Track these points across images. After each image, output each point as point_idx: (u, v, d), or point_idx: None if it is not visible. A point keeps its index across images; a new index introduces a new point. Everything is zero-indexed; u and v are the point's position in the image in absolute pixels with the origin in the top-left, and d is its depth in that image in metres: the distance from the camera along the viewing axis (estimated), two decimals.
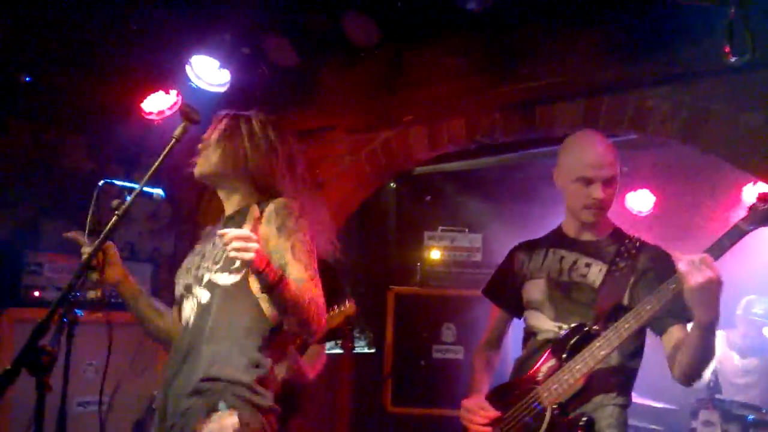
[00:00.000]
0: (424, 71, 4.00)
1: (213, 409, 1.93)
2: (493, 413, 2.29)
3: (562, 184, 2.41)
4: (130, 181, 2.42)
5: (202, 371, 2.00)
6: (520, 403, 2.25)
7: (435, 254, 5.44)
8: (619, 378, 2.25)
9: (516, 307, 2.52)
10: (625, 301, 2.24)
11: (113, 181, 2.30)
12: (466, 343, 4.98)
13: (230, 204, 2.27)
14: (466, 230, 5.44)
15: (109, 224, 1.95)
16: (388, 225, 6.13)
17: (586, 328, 2.18)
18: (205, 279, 2.11)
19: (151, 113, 4.07)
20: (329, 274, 3.42)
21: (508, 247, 2.64)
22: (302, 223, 2.11)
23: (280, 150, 2.26)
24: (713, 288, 1.89)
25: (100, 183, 2.27)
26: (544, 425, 2.14)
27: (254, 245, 1.82)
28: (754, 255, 4.47)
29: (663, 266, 2.17)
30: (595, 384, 2.18)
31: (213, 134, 2.25)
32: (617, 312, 2.17)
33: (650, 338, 2.30)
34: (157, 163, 2.02)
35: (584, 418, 2.12)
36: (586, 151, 2.36)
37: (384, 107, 4.20)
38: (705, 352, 2.07)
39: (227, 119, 2.27)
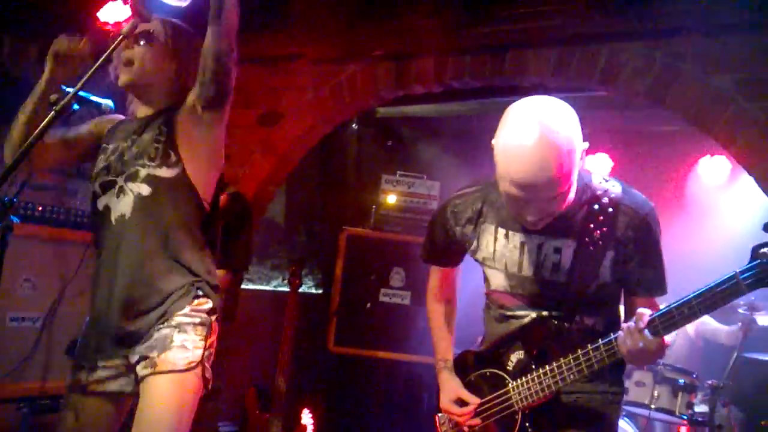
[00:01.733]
0: (398, 4, 3.89)
1: (195, 297, 2.08)
2: (472, 408, 2.14)
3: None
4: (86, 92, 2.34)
5: (165, 263, 2.07)
6: (492, 396, 2.12)
7: (391, 198, 5.40)
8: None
9: (462, 259, 2.33)
10: (606, 278, 1.94)
11: (64, 87, 2.24)
12: (413, 288, 5.00)
13: (147, 109, 2.26)
14: (425, 177, 5.40)
15: (47, 119, 1.92)
16: (348, 166, 6.06)
17: (556, 322, 1.96)
18: (143, 174, 2.10)
19: (107, 23, 3.87)
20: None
21: None
22: None
23: None
24: (644, 356, 1.79)
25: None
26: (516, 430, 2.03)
27: None
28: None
29: (643, 237, 1.91)
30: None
31: (148, 41, 2.20)
32: (596, 293, 1.95)
33: None
34: (101, 60, 1.98)
35: None
36: (513, 161, 1.68)
37: (353, 40, 4.07)
38: None
39: (163, 26, 2.22)
